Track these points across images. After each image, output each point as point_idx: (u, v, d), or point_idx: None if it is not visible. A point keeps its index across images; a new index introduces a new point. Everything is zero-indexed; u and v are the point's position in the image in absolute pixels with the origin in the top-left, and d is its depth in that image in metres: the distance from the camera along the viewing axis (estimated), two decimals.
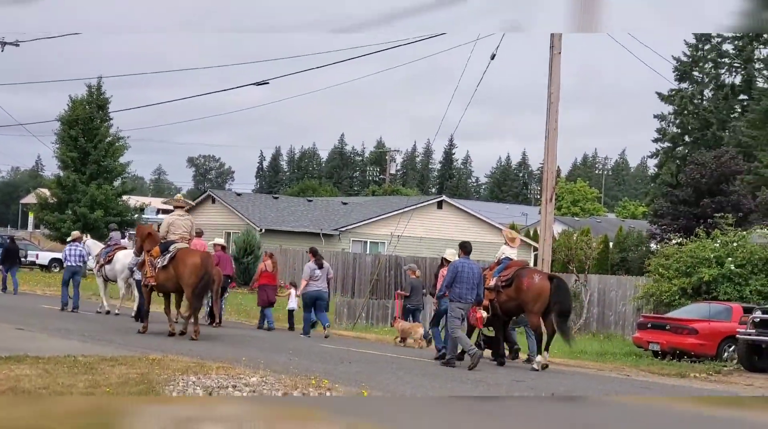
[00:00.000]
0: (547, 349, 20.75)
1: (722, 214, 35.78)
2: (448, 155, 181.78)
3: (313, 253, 26.19)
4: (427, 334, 24.93)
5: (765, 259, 29.42)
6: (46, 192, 63.98)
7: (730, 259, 29.41)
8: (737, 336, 24.64)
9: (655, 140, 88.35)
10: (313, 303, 25.68)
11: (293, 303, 27.72)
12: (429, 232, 56.13)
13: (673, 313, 27.85)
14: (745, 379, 22.44)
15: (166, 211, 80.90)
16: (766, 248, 29.90)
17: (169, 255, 21.89)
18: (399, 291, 27.74)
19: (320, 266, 25.63)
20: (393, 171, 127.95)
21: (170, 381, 13.35)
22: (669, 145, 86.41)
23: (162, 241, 22.44)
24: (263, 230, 54.68)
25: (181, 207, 23.31)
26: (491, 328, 21.59)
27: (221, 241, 28.66)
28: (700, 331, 25.78)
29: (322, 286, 25.63)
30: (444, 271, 21.27)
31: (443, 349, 21.01)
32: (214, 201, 61.53)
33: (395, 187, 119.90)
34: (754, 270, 29.28)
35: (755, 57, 78.10)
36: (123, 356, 16.18)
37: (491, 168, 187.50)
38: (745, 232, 31.56)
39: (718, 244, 30.27)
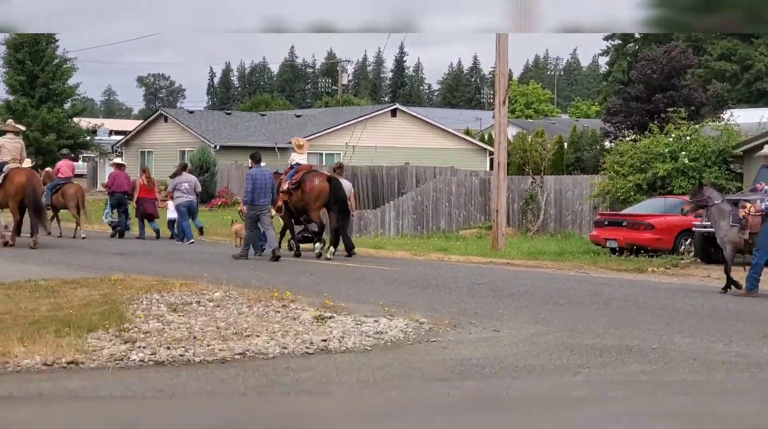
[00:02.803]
0: (334, 245, 23.44)
1: (674, 108, 35.93)
2: (399, 63, 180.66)
3: (183, 167, 30.12)
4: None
5: (717, 152, 29.68)
6: None
7: (683, 153, 29.61)
8: (693, 229, 24.89)
9: (606, 38, 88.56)
10: (187, 211, 28.79)
11: (172, 213, 29.40)
12: (384, 140, 55.98)
13: (629, 210, 28.03)
14: (702, 271, 22.76)
15: (119, 133, 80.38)
16: (719, 141, 30.15)
17: (1, 175, 24.48)
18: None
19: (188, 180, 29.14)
20: (345, 82, 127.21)
21: (133, 300, 13.37)
22: (620, 42, 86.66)
23: None
24: (218, 147, 54.35)
25: (12, 131, 25.79)
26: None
27: (119, 160, 32.03)
28: (657, 226, 25.99)
29: (192, 197, 28.81)
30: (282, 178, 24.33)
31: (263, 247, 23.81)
32: (166, 119, 60.89)
33: (348, 97, 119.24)
34: (707, 163, 29.52)
35: None
36: (84, 278, 16.19)
37: (443, 74, 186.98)
38: (697, 126, 31.72)
39: (671, 139, 30.42)
